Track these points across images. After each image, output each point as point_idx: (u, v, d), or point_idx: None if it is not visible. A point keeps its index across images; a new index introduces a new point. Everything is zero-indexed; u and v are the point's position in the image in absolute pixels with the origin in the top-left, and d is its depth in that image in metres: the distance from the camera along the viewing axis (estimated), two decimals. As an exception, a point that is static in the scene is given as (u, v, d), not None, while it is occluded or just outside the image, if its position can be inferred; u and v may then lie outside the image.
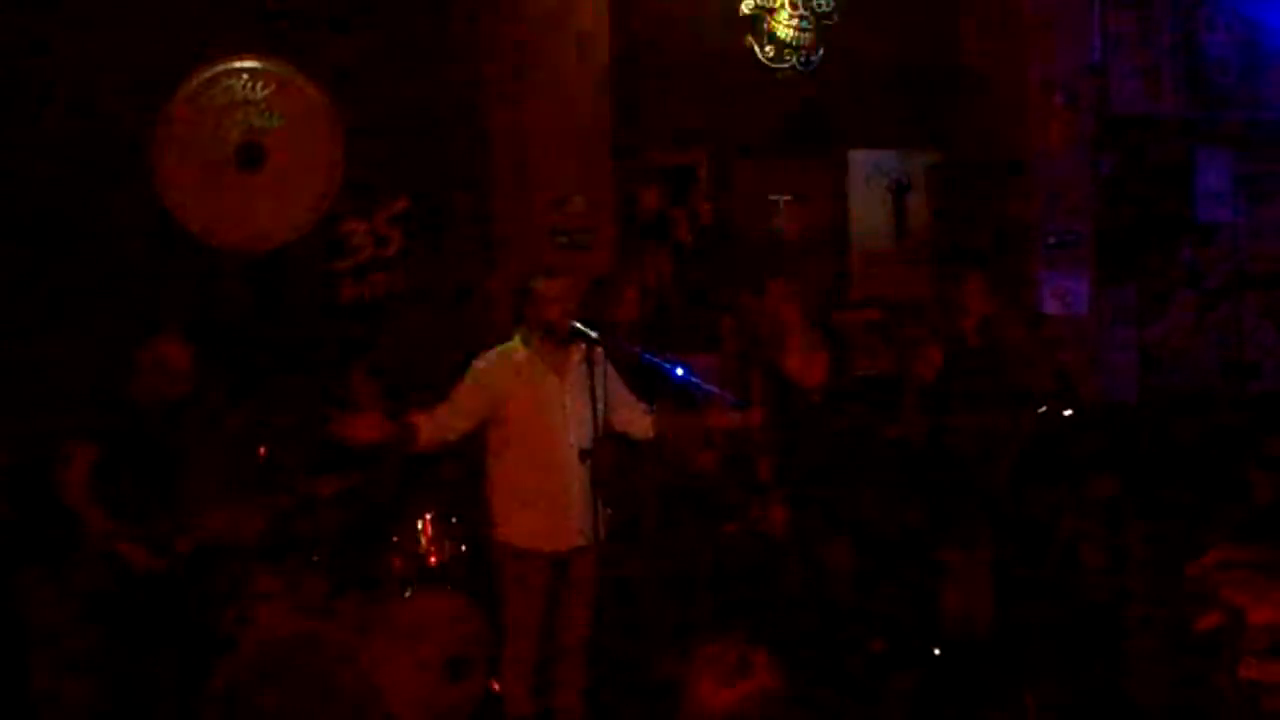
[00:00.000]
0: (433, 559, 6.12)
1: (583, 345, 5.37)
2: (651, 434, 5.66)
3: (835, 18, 8.48)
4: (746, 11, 8.37)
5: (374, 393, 6.39)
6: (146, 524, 5.44)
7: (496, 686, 5.77)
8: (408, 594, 5.94)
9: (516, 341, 5.47)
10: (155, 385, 5.54)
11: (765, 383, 6.16)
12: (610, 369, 5.54)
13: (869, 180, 8.59)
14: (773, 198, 8.46)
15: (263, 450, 6.15)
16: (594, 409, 5.24)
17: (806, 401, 6.09)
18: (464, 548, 6.16)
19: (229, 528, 5.69)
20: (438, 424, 5.35)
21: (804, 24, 8.42)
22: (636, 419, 5.61)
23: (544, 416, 5.37)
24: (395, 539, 6.11)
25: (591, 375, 5.28)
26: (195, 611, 5.56)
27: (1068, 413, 7.05)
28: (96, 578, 5.38)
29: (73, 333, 6.84)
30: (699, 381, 5.73)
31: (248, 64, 7.29)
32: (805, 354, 6.14)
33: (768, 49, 8.39)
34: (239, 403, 6.47)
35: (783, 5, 8.39)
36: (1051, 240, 8.38)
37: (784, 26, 8.40)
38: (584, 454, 5.27)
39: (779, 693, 2.90)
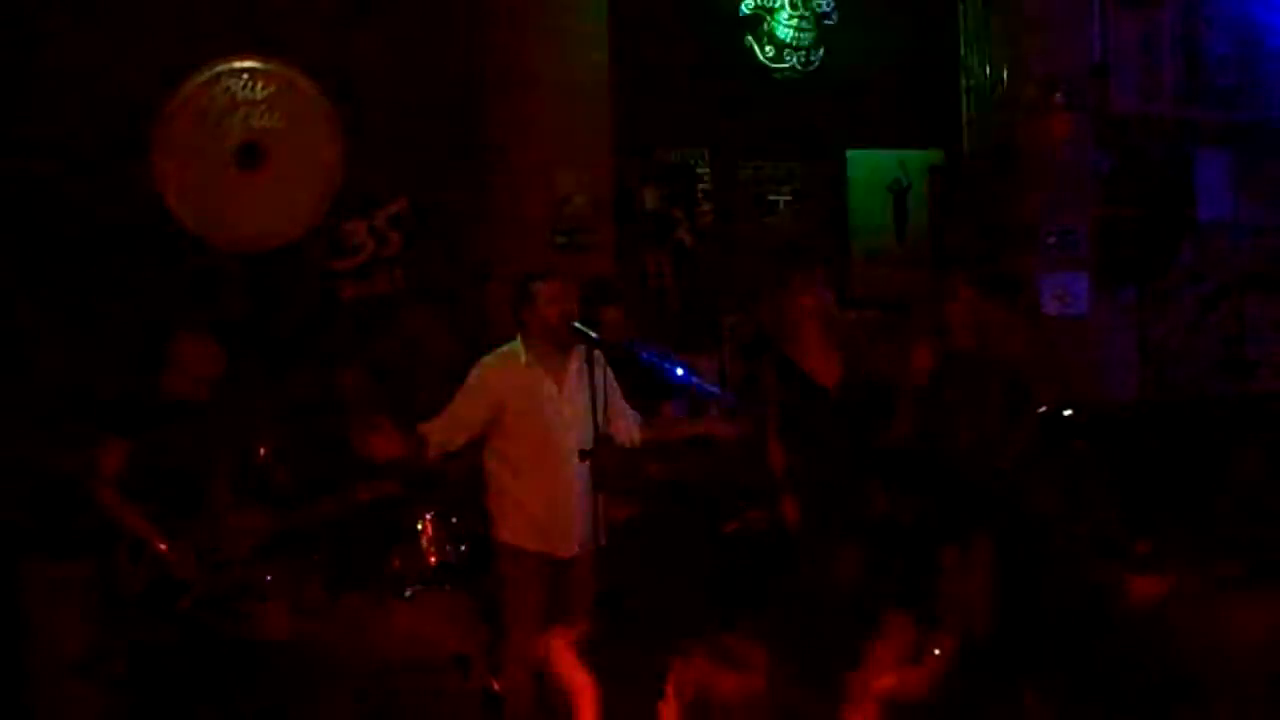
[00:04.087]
0: (433, 559, 6.12)
1: (583, 346, 5.37)
2: (638, 442, 5.65)
3: (835, 18, 8.48)
4: (746, 11, 8.37)
5: (371, 394, 6.39)
6: (179, 526, 5.46)
7: (496, 686, 5.78)
8: (408, 594, 5.94)
9: (516, 344, 5.46)
10: (182, 381, 5.56)
11: (780, 380, 6.16)
12: (610, 373, 5.53)
13: (869, 180, 8.59)
14: (772, 198, 8.46)
15: (262, 451, 6.16)
16: (594, 410, 5.23)
17: (821, 399, 6.09)
18: (464, 548, 6.16)
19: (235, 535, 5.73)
20: (443, 434, 5.35)
21: (804, 24, 8.42)
22: (625, 426, 5.60)
23: (544, 418, 5.37)
24: (395, 539, 6.12)
25: (592, 376, 5.27)
26: (202, 614, 5.58)
27: (1068, 413, 7.05)
28: (130, 579, 5.39)
29: (73, 333, 6.84)
30: (699, 381, 5.73)
31: (248, 64, 7.29)
32: (823, 351, 6.14)
33: (768, 49, 8.39)
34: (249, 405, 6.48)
35: (783, 5, 8.39)
36: (1051, 240, 8.38)
37: (784, 26, 8.40)
38: (584, 455, 5.27)
39: (773, 695, 2.92)
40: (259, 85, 7.31)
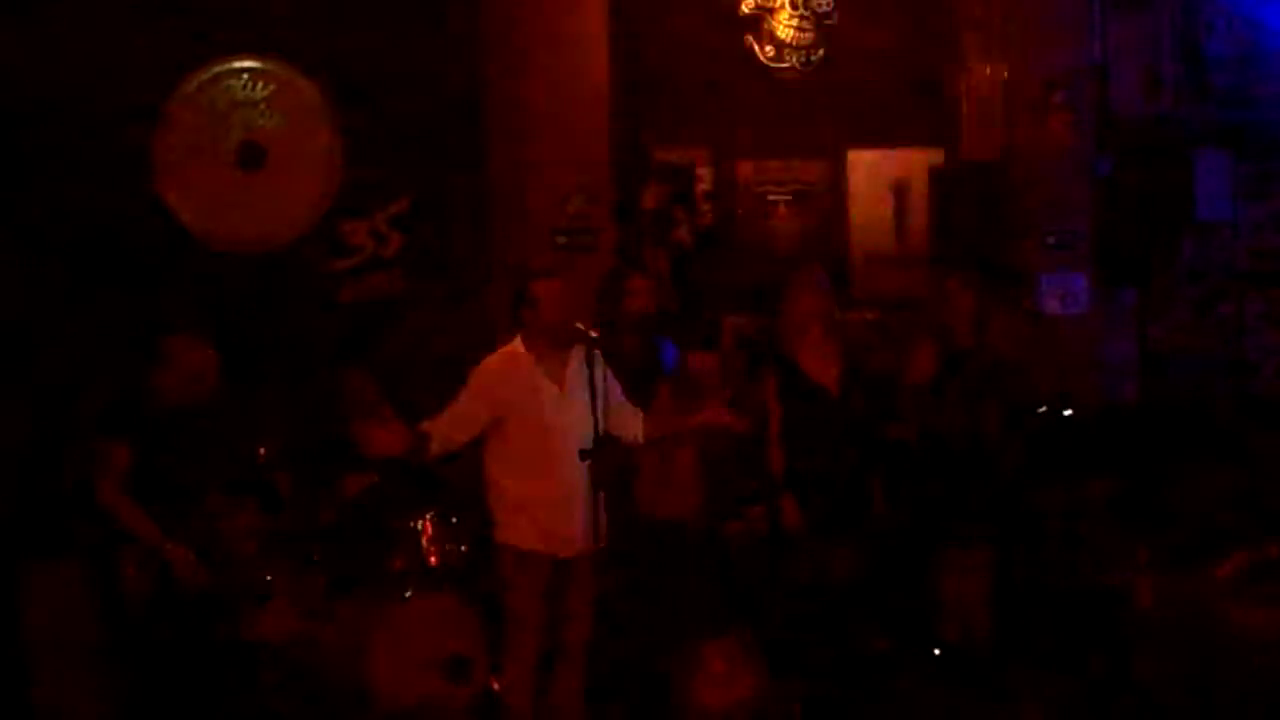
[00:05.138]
0: (433, 559, 6.13)
1: (583, 346, 5.37)
2: (642, 438, 5.65)
3: (835, 18, 8.48)
4: (746, 11, 8.38)
5: (373, 394, 6.39)
6: (178, 527, 5.46)
7: (496, 686, 5.78)
8: (408, 594, 5.94)
9: (516, 344, 5.46)
10: (177, 383, 5.56)
11: (781, 381, 6.17)
12: (610, 371, 5.53)
13: (869, 180, 8.59)
14: (772, 198, 8.46)
15: (262, 451, 6.17)
16: (594, 410, 5.24)
17: (823, 399, 6.10)
18: (464, 548, 6.17)
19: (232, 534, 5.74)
20: (444, 433, 5.35)
21: (804, 24, 8.43)
22: (629, 422, 5.60)
23: (544, 418, 5.36)
24: (395, 539, 6.13)
25: (592, 376, 5.28)
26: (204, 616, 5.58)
27: (1068, 413, 7.05)
28: (132, 580, 5.39)
29: (73, 333, 6.84)
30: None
31: (248, 64, 7.30)
32: (824, 352, 6.15)
33: (768, 49, 8.40)
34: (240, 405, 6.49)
35: (783, 5, 8.40)
36: (1051, 240, 8.37)
37: (784, 26, 8.40)
38: (584, 454, 5.27)
39: (773, 695, 2.94)
40: (259, 85, 7.32)
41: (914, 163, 8.63)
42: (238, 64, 7.29)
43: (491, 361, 5.47)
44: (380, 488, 6.23)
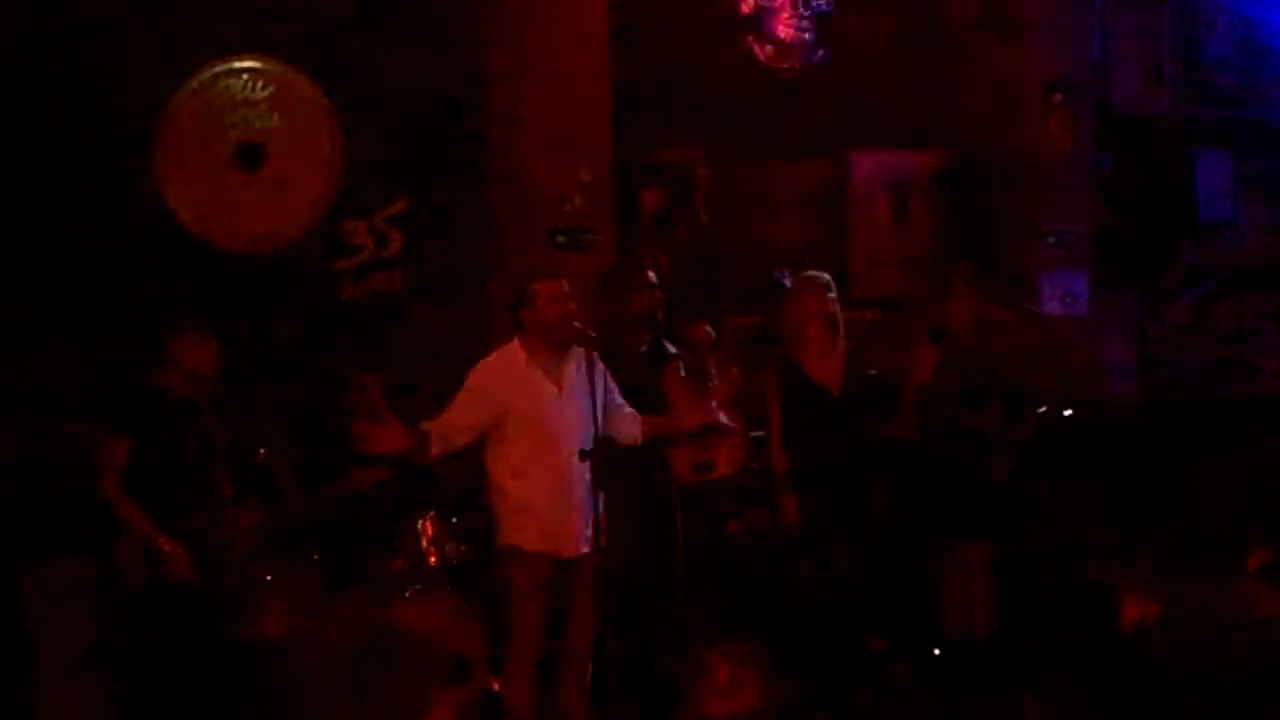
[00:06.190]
0: (433, 559, 6.13)
1: (582, 346, 5.37)
2: (639, 440, 5.65)
3: (835, 18, 8.48)
4: (746, 11, 8.37)
5: (380, 397, 6.38)
6: (178, 525, 5.45)
7: (496, 686, 5.78)
8: (408, 594, 5.94)
9: (515, 344, 5.47)
10: (180, 380, 5.56)
11: (783, 381, 6.17)
12: (608, 373, 5.53)
13: (869, 180, 8.59)
14: (772, 198, 8.46)
15: (262, 451, 6.16)
16: (593, 410, 5.24)
17: (824, 399, 6.11)
18: (464, 548, 6.17)
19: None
20: (444, 433, 5.36)
21: (804, 24, 8.43)
22: (625, 424, 5.60)
23: (543, 419, 5.37)
24: (395, 539, 6.13)
25: (591, 376, 5.28)
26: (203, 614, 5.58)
27: (1068, 413, 7.06)
28: (131, 578, 5.39)
29: (73, 334, 6.84)
30: None
31: (248, 64, 7.29)
32: (825, 352, 6.15)
33: (768, 49, 8.40)
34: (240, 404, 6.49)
35: (783, 5, 8.40)
36: (1051, 240, 8.38)
37: (784, 26, 8.40)
38: (584, 454, 5.27)
39: (777, 702, 2.95)
40: (259, 85, 7.31)
41: (914, 163, 8.63)
42: (238, 64, 7.27)
43: (490, 362, 5.48)
44: (390, 484, 6.23)
